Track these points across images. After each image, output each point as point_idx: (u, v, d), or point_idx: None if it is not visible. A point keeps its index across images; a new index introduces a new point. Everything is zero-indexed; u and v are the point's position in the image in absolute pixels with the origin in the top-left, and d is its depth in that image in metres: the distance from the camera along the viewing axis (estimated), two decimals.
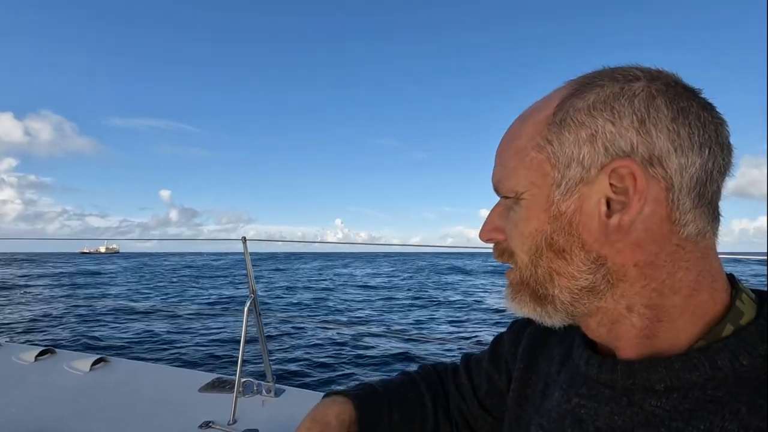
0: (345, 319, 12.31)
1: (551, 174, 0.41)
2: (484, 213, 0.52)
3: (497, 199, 0.50)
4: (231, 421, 1.62)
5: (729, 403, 0.35)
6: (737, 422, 0.34)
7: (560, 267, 0.42)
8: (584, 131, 0.39)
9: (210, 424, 1.59)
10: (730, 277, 0.43)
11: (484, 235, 0.50)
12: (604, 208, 0.39)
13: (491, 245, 0.51)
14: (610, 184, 0.39)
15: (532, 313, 0.46)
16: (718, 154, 0.38)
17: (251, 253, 1.94)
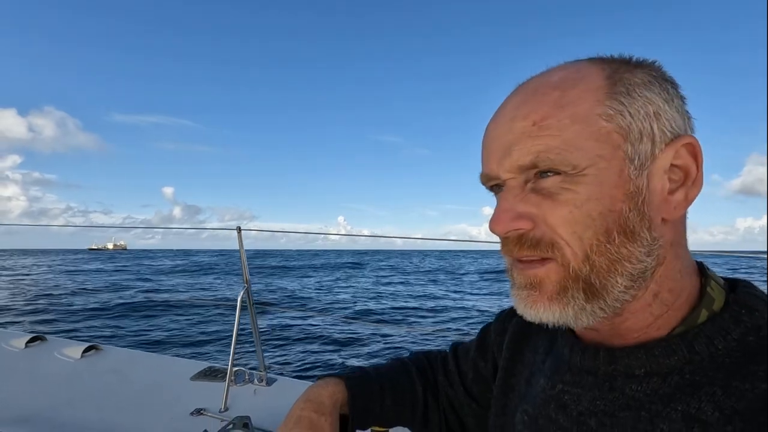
0: (337, 309, 12.34)
1: (623, 147, 0.38)
2: (488, 211, 0.43)
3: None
4: (222, 409, 1.63)
5: (705, 385, 0.36)
6: (713, 403, 0.35)
7: (629, 251, 0.38)
8: (651, 107, 0.39)
9: (201, 412, 1.60)
10: (699, 264, 0.44)
11: (507, 225, 0.40)
12: (668, 185, 0.39)
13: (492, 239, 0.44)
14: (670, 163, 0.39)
15: (574, 315, 0.39)
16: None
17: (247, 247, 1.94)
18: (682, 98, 0.41)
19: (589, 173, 0.37)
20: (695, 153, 0.40)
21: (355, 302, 14.04)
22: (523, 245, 0.40)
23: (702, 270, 0.43)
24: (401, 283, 22.35)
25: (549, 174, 0.39)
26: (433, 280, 23.68)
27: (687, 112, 0.41)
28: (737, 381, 0.35)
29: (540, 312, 0.41)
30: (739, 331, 0.38)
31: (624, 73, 0.40)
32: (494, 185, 0.45)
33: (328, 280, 23.79)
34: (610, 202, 0.38)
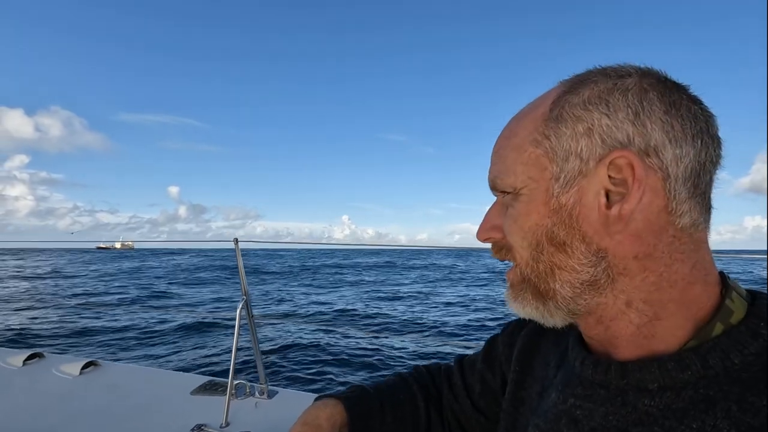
0: (338, 320, 12.27)
1: (549, 168, 0.42)
2: None
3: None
4: (224, 424, 1.60)
5: (721, 401, 0.35)
6: (729, 420, 0.34)
7: (561, 261, 0.42)
8: (581, 125, 0.40)
9: (202, 427, 1.58)
10: (721, 275, 0.43)
11: (482, 234, 0.49)
12: (603, 200, 0.39)
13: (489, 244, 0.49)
14: (609, 176, 0.39)
15: (533, 312, 0.45)
16: (710, 145, 0.39)
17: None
18: (672, 103, 0.39)
19: (523, 193, 0.44)
20: (631, 165, 0.38)
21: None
22: (498, 251, 0.49)
23: (724, 281, 0.42)
24: (453, 284, 21.35)
25: (507, 192, 0.46)
26: (479, 280, 23.00)
27: (664, 116, 0.38)
28: (753, 396, 0.34)
29: (512, 307, 0.47)
30: (756, 345, 0.37)
31: (568, 94, 0.42)
32: None
33: (366, 285, 21.75)
34: (538, 217, 0.43)
